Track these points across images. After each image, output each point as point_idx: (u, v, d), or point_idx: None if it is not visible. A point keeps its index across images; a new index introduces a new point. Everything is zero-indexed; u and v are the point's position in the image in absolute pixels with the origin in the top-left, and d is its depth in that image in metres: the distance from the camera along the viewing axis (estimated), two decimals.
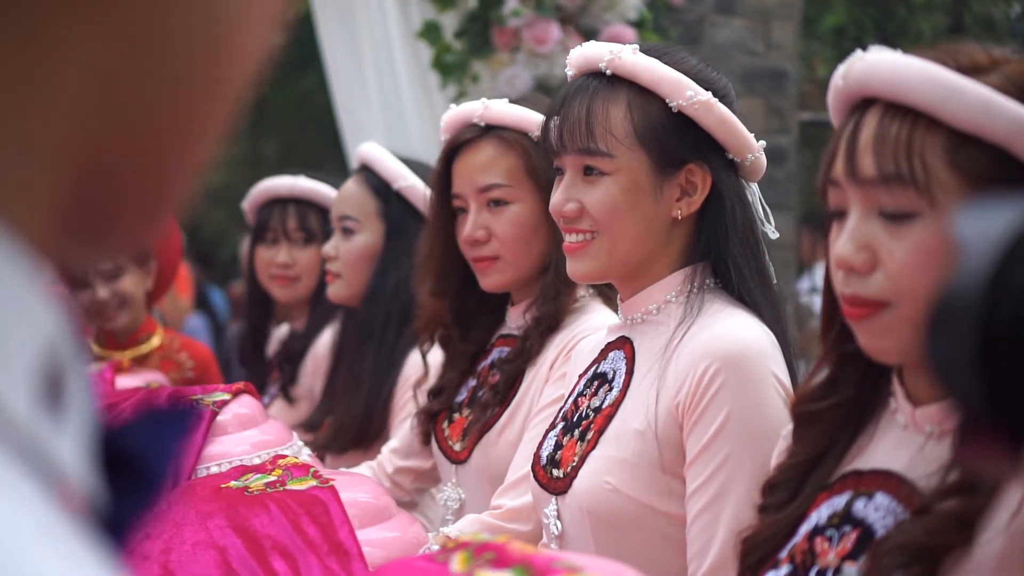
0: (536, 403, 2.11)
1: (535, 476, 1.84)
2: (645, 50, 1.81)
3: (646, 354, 1.78)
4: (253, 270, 3.29)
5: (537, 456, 1.85)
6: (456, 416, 2.27)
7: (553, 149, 1.82)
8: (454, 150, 2.22)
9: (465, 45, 4.36)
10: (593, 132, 1.78)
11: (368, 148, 2.81)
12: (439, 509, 2.29)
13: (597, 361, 1.86)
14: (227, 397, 2.03)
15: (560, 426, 1.84)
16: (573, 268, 1.82)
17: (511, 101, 2.21)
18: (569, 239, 1.81)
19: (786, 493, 1.42)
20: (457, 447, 2.23)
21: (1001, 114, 1.21)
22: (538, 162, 2.12)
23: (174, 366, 3.33)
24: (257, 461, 1.87)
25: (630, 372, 1.78)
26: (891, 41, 1.62)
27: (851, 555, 1.30)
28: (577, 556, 1.12)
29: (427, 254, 2.29)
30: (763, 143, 1.84)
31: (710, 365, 1.66)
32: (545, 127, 1.85)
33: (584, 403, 1.82)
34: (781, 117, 5.50)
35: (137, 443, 0.45)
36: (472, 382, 2.29)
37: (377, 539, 1.73)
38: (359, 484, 1.85)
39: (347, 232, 2.77)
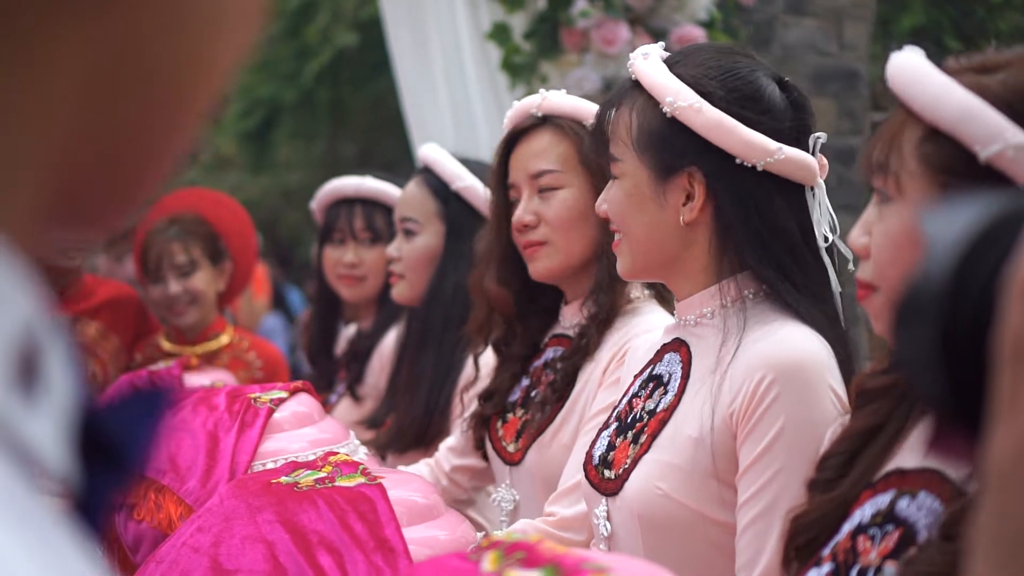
0: (590, 406, 2.10)
1: (587, 475, 1.84)
2: (671, 52, 1.83)
3: (701, 360, 1.76)
4: (321, 270, 3.33)
5: (589, 455, 1.85)
6: (510, 416, 2.27)
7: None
8: (512, 141, 2.25)
9: (534, 46, 4.37)
10: (607, 136, 1.83)
11: (428, 149, 2.83)
12: (495, 510, 2.30)
13: (653, 362, 1.85)
14: (284, 395, 2.06)
15: (614, 426, 1.84)
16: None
17: None
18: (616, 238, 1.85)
19: (834, 471, 1.42)
20: (511, 448, 2.23)
21: (947, 100, 1.26)
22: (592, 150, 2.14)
23: (243, 365, 3.39)
24: (311, 458, 1.89)
25: (685, 377, 1.77)
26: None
27: (893, 554, 1.29)
28: (607, 556, 1.13)
29: (488, 247, 2.31)
30: (821, 140, 1.80)
31: (765, 375, 1.65)
32: None
33: (639, 405, 1.82)
34: (853, 118, 5.44)
35: (115, 424, 0.47)
36: (525, 382, 2.30)
37: (424, 537, 1.73)
38: (408, 482, 1.86)
39: (408, 233, 2.79)
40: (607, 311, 2.16)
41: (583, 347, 2.17)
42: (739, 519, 1.66)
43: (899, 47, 1.37)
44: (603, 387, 2.09)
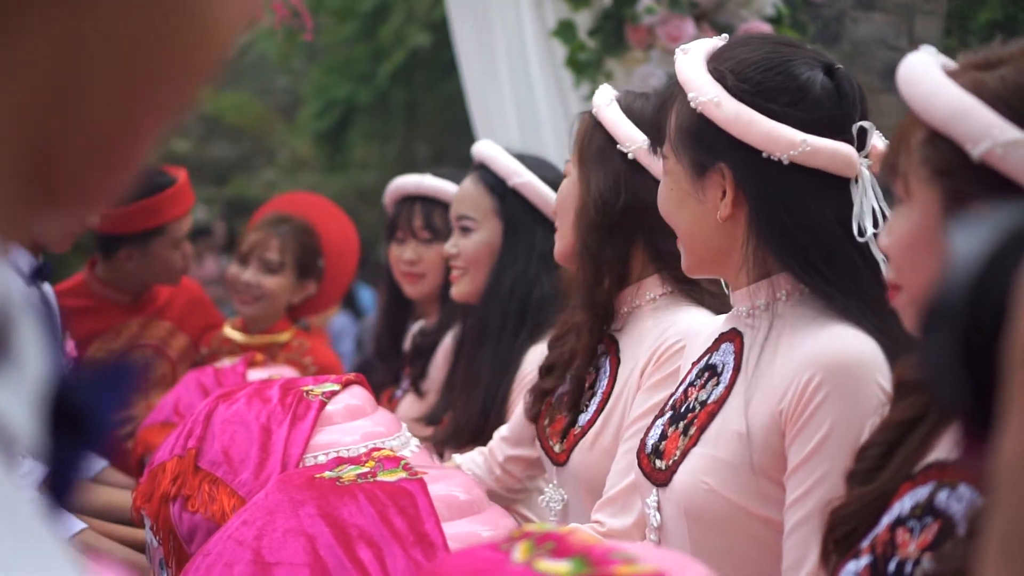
0: (629, 410, 2.09)
1: (639, 463, 1.84)
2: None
3: (752, 352, 1.76)
4: (389, 267, 3.36)
5: (643, 443, 1.85)
6: (557, 416, 2.25)
7: None
8: None
9: (599, 43, 4.35)
10: (659, 134, 1.84)
11: (482, 146, 2.83)
12: (545, 511, 2.28)
13: (711, 350, 1.85)
14: (337, 388, 2.08)
15: (668, 415, 1.84)
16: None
17: None
18: None
19: (873, 461, 1.41)
20: (557, 448, 2.22)
21: (939, 100, 1.25)
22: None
23: (299, 368, 3.42)
24: (360, 451, 1.91)
25: (737, 369, 1.77)
26: None
27: (931, 546, 1.28)
28: (636, 546, 1.13)
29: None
30: (870, 129, 1.75)
31: (814, 375, 1.63)
32: None
33: (693, 394, 1.81)
34: None
35: (85, 396, 0.48)
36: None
37: (465, 532, 1.74)
38: (450, 477, 1.87)
39: (465, 231, 2.79)
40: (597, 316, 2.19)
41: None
42: (787, 519, 1.65)
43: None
44: (642, 390, 2.08)
